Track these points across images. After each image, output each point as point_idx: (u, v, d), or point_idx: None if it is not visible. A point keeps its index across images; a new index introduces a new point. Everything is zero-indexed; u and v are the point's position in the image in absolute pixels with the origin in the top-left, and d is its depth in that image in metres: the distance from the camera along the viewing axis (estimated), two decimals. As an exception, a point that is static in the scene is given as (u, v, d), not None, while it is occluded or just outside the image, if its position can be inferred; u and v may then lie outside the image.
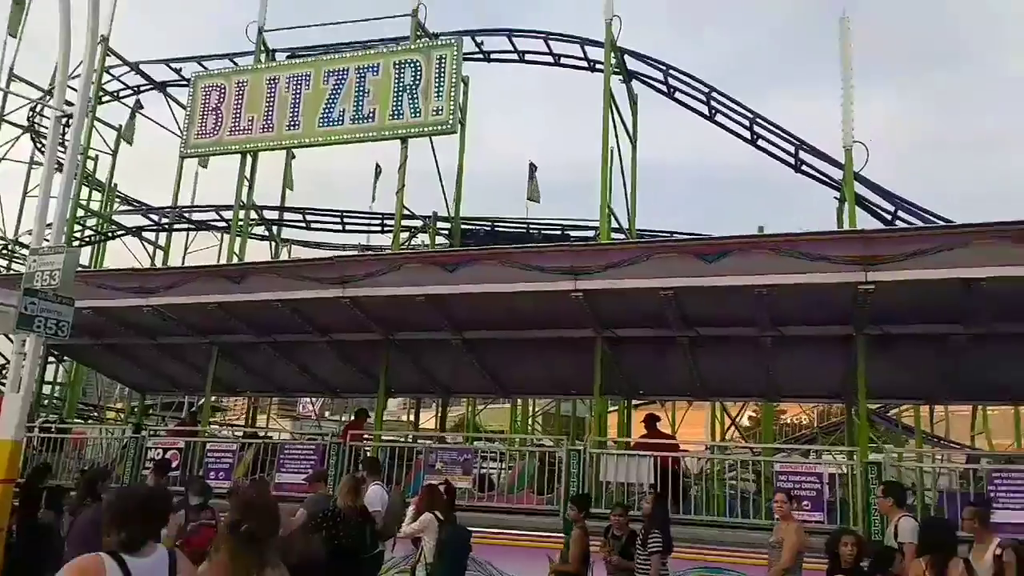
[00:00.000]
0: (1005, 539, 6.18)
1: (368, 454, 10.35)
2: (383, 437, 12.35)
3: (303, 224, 19.17)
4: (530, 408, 19.75)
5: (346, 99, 14.87)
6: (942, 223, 12.02)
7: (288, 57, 16.90)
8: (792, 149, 14.51)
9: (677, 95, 15.46)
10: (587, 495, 8.64)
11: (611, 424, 15.23)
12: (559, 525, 8.88)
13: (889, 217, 13.45)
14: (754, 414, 25.42)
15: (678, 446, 11.76)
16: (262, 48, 16.66)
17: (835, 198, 14.02)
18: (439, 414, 15.79)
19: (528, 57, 16.81)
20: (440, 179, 16.37)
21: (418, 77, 14.46)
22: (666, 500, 8.32)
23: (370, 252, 17.55)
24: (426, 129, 14.45)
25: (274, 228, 19.77)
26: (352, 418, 13.98)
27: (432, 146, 15.30)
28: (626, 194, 15.33)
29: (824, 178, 14.22)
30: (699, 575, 8.53)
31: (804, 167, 14.49)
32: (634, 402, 14.98)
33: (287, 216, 19.57)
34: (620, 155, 14.74)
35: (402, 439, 13.32)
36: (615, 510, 7.88)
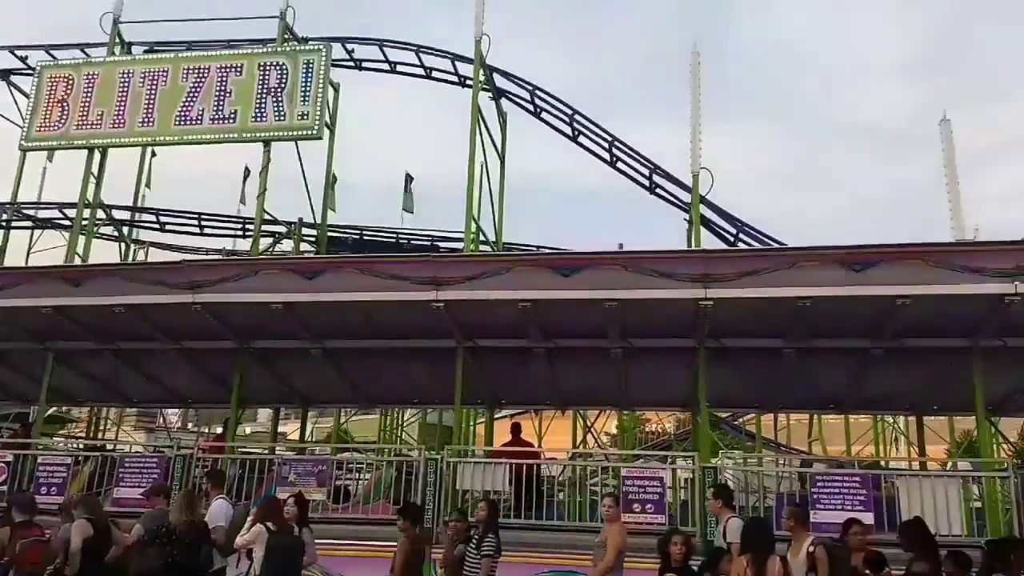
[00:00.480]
0: (818, 537, 6.79)
1: (217, 466, 9.98)
2: (238, 449, 11.93)
3: (157, 226, 18.23)
4: (401, 418, 19.62)
5: (206, 98, 14.36)
6: (775, 246, 13.00)
7: (146, 51, 16.12)
8: (647, 172, 15.29)
9: (543, 115, 15.96)
10: (416, 505, 8.73)
11: (482, 433, 15.40)
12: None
13: (731, 239, 14.42)
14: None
15: (538, 454, 12.01)
16: (117, 40, 15.81)
17: (685, 219, 14.89)
18: (302, 425, 15.44)
19: (400, 68, 16.84)
20: (306, 185, 16.08)
21: (284, 80, 14.18)
22: (498, 507, 8.51)
23: (224, 257, 16.94)
24: (291, 133, 14.17)
25: (125, 229, 18.65)
26: (221, 430, 13.42)
27: (297, 151, 15.04)
28: (493, 208, 15.64)
29: (675, 200, 15.08)
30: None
31: (658, 189, 15.30)
32: (506, 411, 15.19)
33: (141, 217, 18.54)
34: (488, 170, 15.03)
35: (257, 451, 12.89)
36: (452, 516, 8.10)
